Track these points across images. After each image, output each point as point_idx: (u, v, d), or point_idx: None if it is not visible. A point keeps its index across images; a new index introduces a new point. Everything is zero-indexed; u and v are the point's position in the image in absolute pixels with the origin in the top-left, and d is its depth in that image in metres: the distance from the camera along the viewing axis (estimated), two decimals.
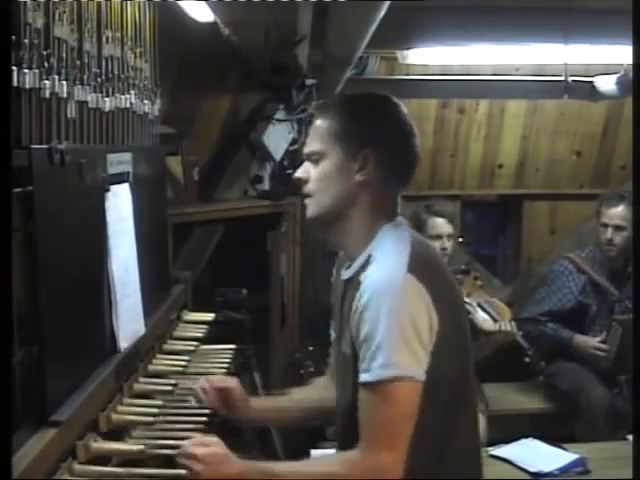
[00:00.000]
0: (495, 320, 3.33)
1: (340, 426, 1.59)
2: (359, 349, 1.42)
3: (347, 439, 1.46)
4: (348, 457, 1.42)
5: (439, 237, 3.14)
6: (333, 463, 1.46)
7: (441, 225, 3.17)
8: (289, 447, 2.79)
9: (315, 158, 1.54)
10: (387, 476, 1.37)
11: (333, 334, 1.71)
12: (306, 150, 1.57)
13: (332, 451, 1.85)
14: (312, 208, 1.55)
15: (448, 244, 3.17)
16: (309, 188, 1.55)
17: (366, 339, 1.39)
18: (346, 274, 1.54)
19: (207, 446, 1.41)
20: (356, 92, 1.62)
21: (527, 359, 3.43)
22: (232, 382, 1.71)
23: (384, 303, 1.38)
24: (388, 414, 1.38)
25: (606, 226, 3.40)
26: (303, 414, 1.77)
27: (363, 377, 1.39)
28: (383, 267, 1.43)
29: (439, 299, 1.42)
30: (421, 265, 1.44)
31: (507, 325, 3.32)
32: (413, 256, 1.45)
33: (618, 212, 3.37)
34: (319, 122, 1.55)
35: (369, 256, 1.47)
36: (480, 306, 3.32)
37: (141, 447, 1.38)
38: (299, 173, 1.57)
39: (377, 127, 1.52)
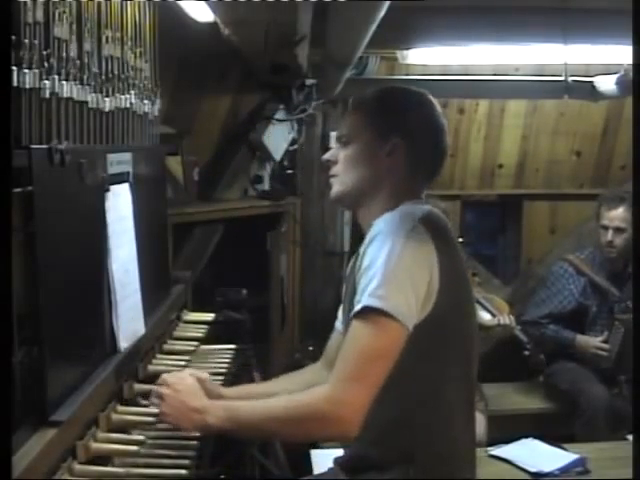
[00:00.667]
0: (493, 315, 3.33)
1: None
2: (357, 287, 1.42)
3: None
4: (315, 388, 1.40)
5: None
6: (300, 394, 1.44)
7: None
8: (289, 446, 2.79)
9: (344, 140, 1.61)
10: (350, 410, 1.34)
11: (339, 326, 1.71)
12: (337, 134, 1.65)
13: (332, 451, 1.85)
14: (336, 187, 1.62)
15: None
16: (336, 169, 1.62)
17: (363, 273, 1.40)
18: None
19: (182, 378, 1.53)
20: (390, 86, 1.67)
21: (526, 352, 3.43)
22: (201, 374, 1.67)
23: (387, 240, 1.40)
24: (365, 346, 1.37)
25: (606, 228, 3.40)
26: None
27: (354, 310, 1.39)
28: (395, 214, 1.47)
29: (444, 265, 1.42)
30: (434, 225, 1.46)
31: (506, 319, 3.32)
32: (428, 215, 1.48)
33: (618, 214, 3.36)
34: (352, 109, 1.64)
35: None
36: (478, 302, 3.32)
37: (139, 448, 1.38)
38: (327, 155, 1.65)
39: (408, 118, 1.58)
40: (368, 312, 1.36)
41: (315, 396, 1.38)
